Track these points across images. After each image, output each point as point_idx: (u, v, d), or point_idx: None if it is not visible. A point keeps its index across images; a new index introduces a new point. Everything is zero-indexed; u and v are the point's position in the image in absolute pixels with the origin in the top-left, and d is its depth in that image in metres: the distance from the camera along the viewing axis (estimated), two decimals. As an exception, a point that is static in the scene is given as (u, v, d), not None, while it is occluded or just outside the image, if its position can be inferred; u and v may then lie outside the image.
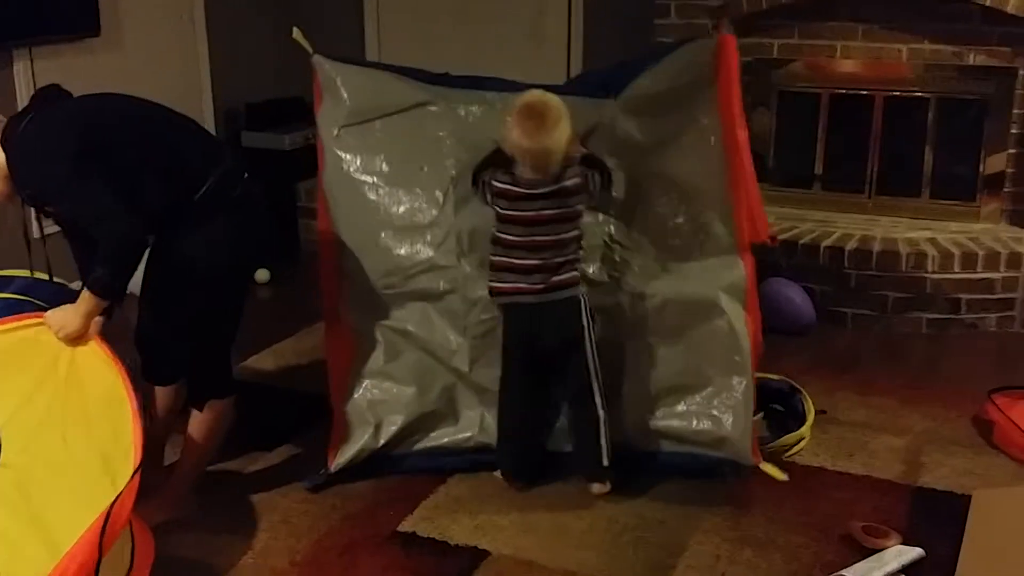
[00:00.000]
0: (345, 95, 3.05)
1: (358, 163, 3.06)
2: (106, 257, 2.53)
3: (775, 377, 3.41)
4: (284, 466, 3.13)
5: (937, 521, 2.80)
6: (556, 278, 2.83)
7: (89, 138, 2.55)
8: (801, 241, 4.38)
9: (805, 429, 3.21)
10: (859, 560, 2.58)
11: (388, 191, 3.05)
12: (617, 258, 3.01)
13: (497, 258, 2.87)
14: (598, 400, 2.89)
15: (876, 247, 4.30)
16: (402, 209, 3.05)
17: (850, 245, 4.33)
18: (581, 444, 2.96)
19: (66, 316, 2.60)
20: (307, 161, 5.24)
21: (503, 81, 3.08)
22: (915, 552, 2.60)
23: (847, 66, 4.63)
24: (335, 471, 2.99)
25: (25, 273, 3.17)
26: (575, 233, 2.86)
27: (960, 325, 4.26)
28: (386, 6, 5.56)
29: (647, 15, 4.76)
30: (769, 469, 2.89)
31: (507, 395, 2.96)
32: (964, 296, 4.24)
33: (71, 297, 3.30)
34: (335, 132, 3.06)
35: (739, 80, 2.84)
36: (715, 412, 2.94)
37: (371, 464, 3.03)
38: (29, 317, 2.65)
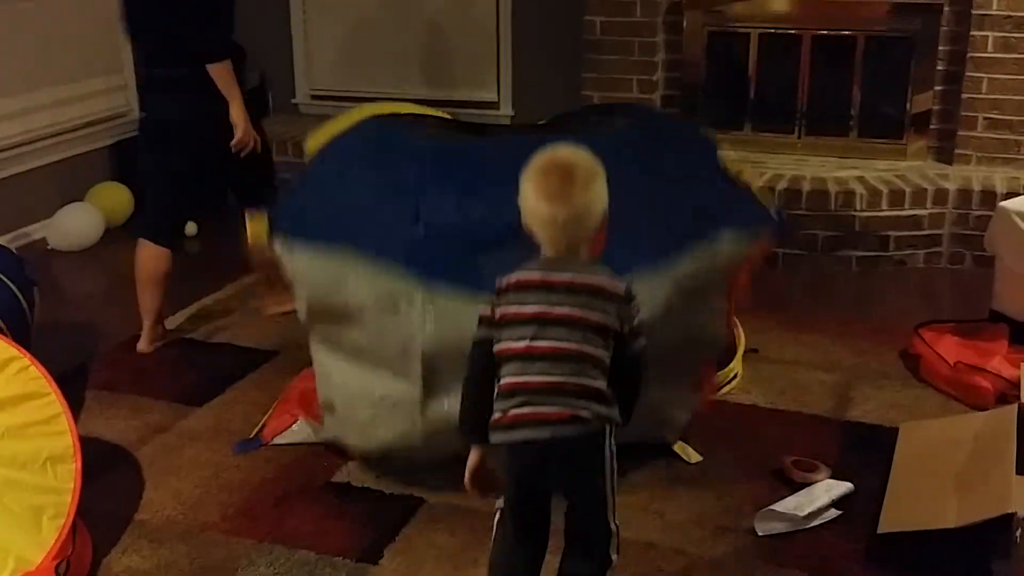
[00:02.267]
0: (304, 290, 2.68)
1: (330, 343, 2.74)
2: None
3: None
4: (215, 420, 3.07)
5: (866, 454, 2.84)
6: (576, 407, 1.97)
7: None
8: (732, 182, 4.39)
9: (736, 363, 3.24)
10: (790, 495, 2.61)
11: (359, 378, 2.70)
12: None
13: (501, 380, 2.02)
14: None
15: (806, 186, 4.33)
16: (371, 416, 2.69)
17: (780, 185, 4.35)
18: None
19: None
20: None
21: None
22: (845, 486, 2.64)
23: (776, 5, 4.63)
24: (269, 444, 2.93)
25: None
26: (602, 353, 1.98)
27: (888, 262, 4.32)
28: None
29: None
30: (681, 450, 2.85)
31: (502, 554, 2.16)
32: (892, 233, 4.29)
33: (12, 258, 3.22)
34: (303, 316, 2.74)
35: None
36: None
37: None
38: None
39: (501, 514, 2.11)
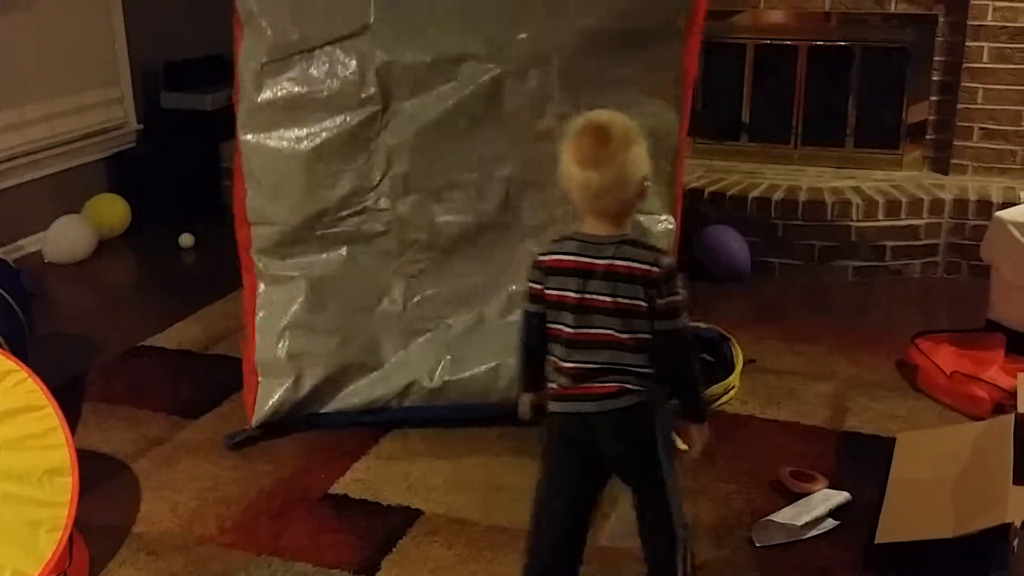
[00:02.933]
0: (266, 26, 2.90)
1: (279, 102, 2.93)
2: None
3: (704, 325, 3.42)
4: (212, 431, 3.07)
5: (863, 464, 2.84)
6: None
7: None
8: (729, 192, 4.40)
9: (734, 377, 3.24)
10: (787, 505, 2.61)
11: (312, 131, 2.94)
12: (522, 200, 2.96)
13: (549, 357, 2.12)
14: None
15: (802, 197, 4.33)
16: (330, 151, 2.95)
17: (777, 195, 4.36)
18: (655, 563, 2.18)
19: None
20: (230, 121, 5.14)
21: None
22: (842, 496, 2.64)
23: (772, 17, 4.64)
24: (257, 426, 2.96)
25: None
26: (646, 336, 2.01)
27: (885, 272, 4.33)
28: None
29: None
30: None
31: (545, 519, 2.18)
32: (888, 243, 4.30)
33: (9, 271, 3.22)
34: (256, 68, 2.92)
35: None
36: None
37: (297, 422, 3.01)
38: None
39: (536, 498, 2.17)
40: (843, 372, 3.42)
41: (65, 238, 4.56)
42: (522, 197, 2.97)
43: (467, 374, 3.01)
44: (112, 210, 4.84)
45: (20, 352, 2.89)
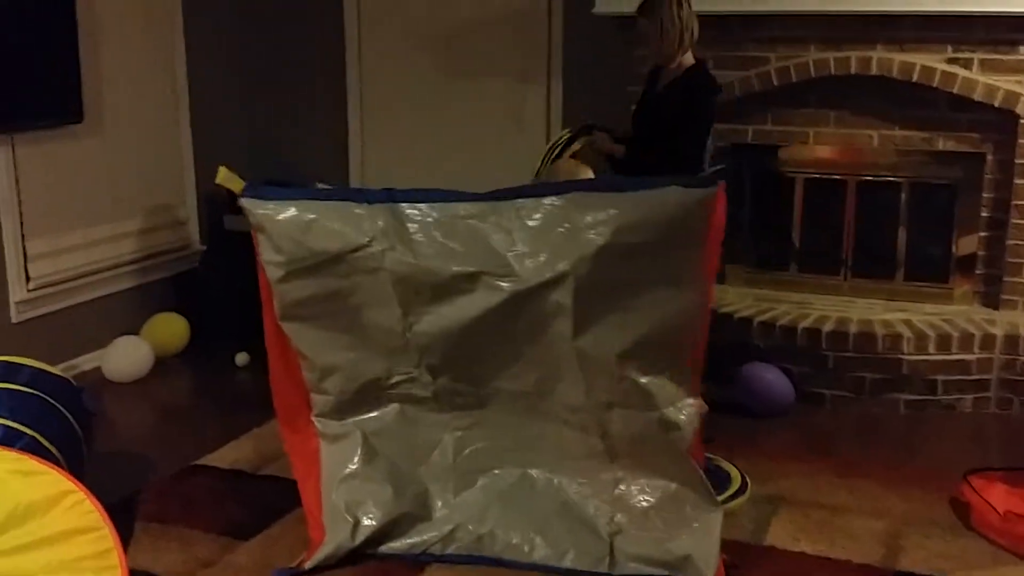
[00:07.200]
0: (278, 241, 2.96)
1: (310, 300, 3.00)
2: None
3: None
4: (262, 555, 3.09)
5: (916, 606, 2.79)
6: None
7: None
8: (779, 323, 4.42)
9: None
10: (839, 648, 2.56)
11: (348, 321, 3.02)
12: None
13: None
14: None
15: (852, 328, 4.34)
16: (371, 338, 3.03)
17: (827, 327, 4.36)
18: None
19: None
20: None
21: (446, 192, 3.01)
22: (895, 639, 2.59)
23: (820, 152, 4.73)
24: (310, 568, 2.97)
25: (27, 361, 3.19)
26: None
27: (936, 406, 4.29)
28: (369, 94, 5.64)
29: (625, 102, 4.85)
30: None
31: None
32: (940, 377, 4.27)
33: (72, 389, 3.31)
34: (280, 274, 2.98)
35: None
36: (683, 536, 2.90)
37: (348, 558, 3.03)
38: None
39: None
40: (896, 509, 3.38)
41: (124, 357, 4.65)
42: (554, 389, 2.99)
43: (512, 534, 3.01)
44: (172, 329, 4.95)
45: (78, 471, 2.96)
